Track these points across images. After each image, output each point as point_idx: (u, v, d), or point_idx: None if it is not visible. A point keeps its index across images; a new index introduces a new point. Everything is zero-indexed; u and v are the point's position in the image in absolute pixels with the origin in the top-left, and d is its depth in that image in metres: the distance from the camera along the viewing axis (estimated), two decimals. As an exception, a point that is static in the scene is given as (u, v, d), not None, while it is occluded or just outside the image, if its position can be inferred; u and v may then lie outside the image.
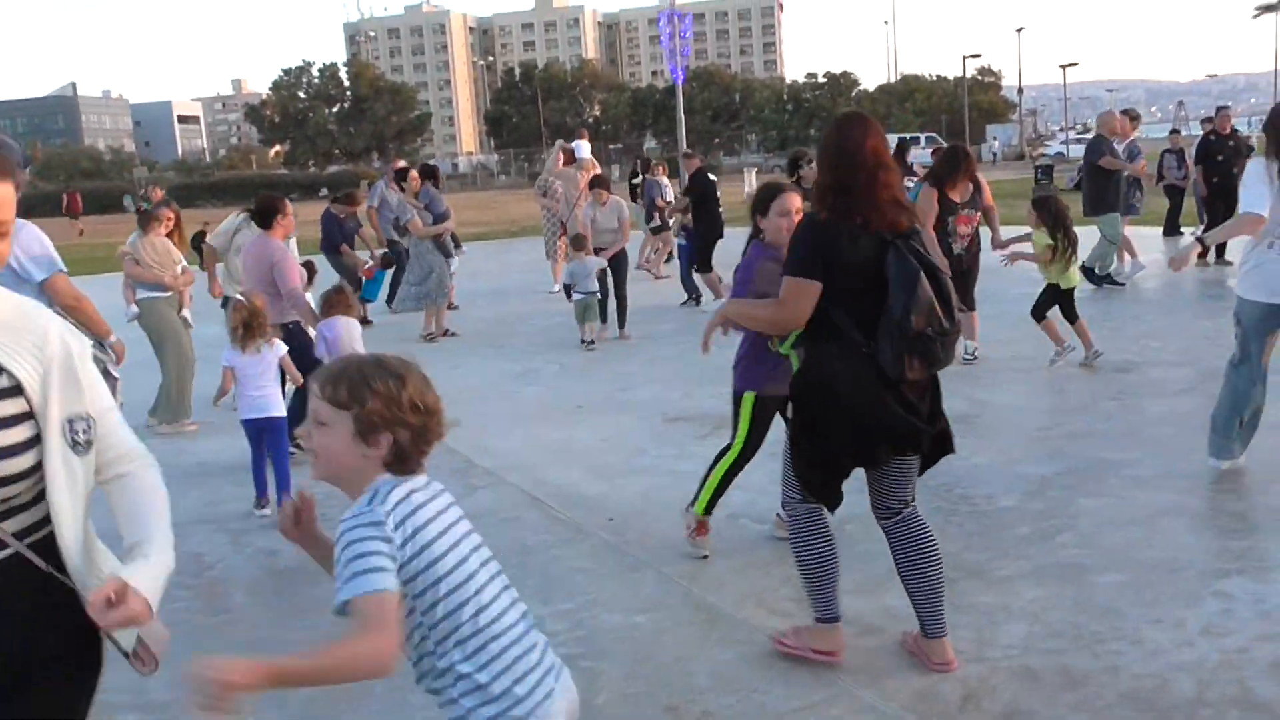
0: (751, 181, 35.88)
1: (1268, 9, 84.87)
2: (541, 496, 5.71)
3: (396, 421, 1.95)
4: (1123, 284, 11.66)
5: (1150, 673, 3.46)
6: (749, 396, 4.54)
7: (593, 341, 10.05)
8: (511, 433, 7.10)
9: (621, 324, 10.56)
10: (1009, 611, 3.96)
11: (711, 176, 12.80)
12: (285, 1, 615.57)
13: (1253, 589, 4.02)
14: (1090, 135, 12.23)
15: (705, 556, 4.65)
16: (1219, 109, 14.28)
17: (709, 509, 4.70)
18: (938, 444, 3.56)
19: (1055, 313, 8.09)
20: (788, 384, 3.68)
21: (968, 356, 8.18)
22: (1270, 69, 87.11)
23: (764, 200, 4.54)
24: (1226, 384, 5.29)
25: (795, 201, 4.46)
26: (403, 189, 11.09)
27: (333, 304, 6.66)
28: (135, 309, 7.89)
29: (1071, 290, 8.08)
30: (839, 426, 3.44)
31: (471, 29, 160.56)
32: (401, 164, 12.55)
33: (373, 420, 1.94)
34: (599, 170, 14.47)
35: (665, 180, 15.46)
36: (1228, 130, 13.47)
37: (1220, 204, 12.68)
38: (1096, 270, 11.42)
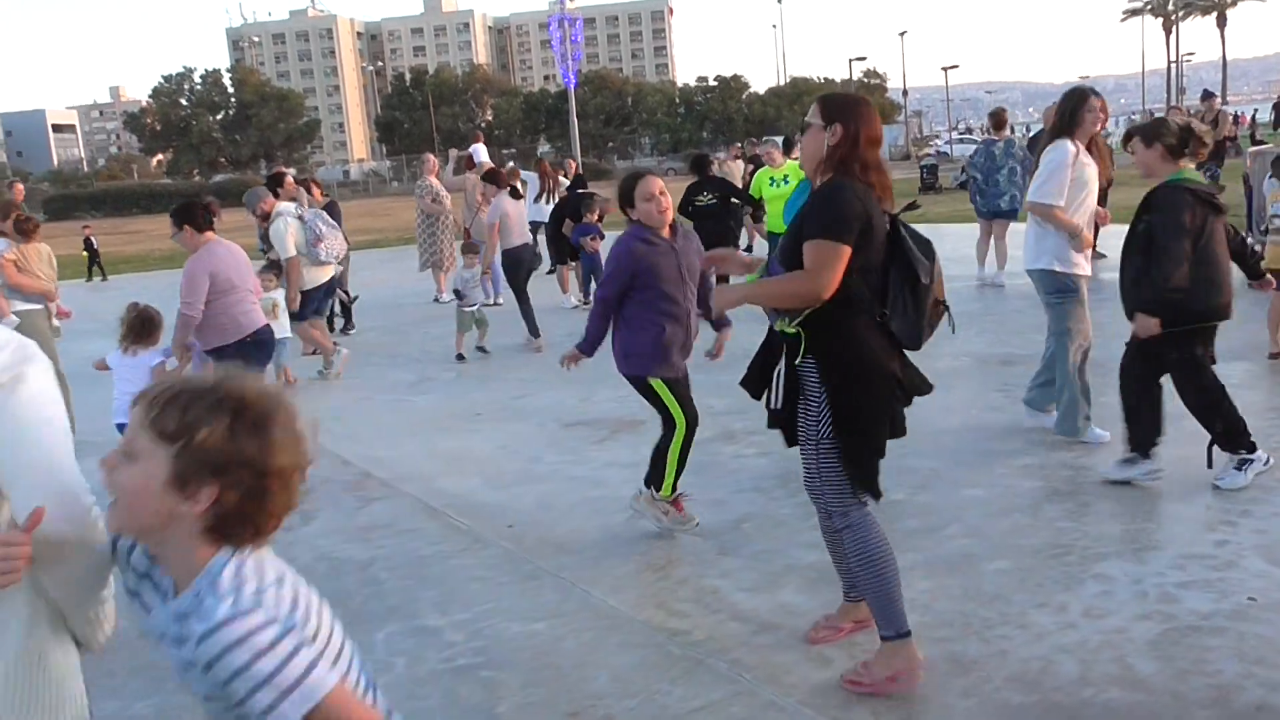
0: (646, 185, 36.06)
1: (1134, 13, 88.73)
2: (438, 506, 5.64)
3: (226, 472, 1.53)
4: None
5: (1036, 655, 3.57)
6: (657, 382, 4.66)
7: (463, 355, 9.89)
8: (407, 443, 7.00)
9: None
10: (901, 602, 4.04)
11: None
12: (164, 7, 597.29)
13: (1130, 570, 4.18)
14: (974, 136, 12.61)
15: (698, 524, 4.81)
16: None
17: (674, 488, 4.79)
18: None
19: None
20: (674, 366, 4.27)
21: None
22: (1138, 70, 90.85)
23: (626, 192, 4.69)
24: (1066, 361, 5.74)
25: (657, 184, 4.66)
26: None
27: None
28: (14, 319, 7.37)
29: None
30: (884, 405, 3.31)
31: (359, 34, 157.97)
32: (278, 170, 12.30)
33: (199, 463, 1.52)
34: None
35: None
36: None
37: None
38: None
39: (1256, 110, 48.22)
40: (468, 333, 9.92)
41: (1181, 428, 5.90)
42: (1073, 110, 5.72)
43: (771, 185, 11.09)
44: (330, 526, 5.45)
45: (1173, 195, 4.87)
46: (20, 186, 14.47)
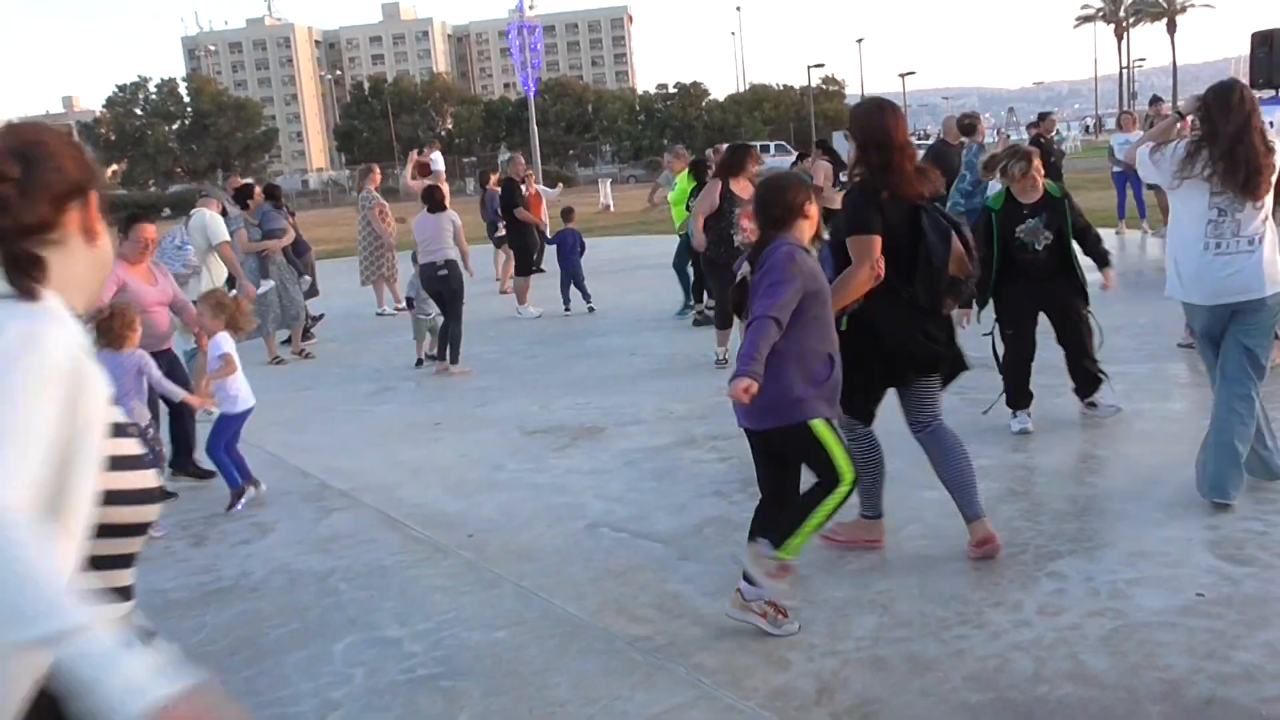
0: (607, 192, 35.95)
1: (1087, 19, 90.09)
2: (398, 516, 5.61)
3: None
4: None
5: (992, 654, 3.62)
6: (819, 424, 3.79)
7: (422, 360, 9.85)
8: (366, 453, 6.96)
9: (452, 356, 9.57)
10: (860, 604, 4.08)
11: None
12: (117, 15, 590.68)
13: (1083, 568, 4.24)
14: (932, 141, 12.70)
15: (795, 626, 3.90)
16: (1043, 115, 15.01)
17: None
18: (954, 365, 4.43)
19: None
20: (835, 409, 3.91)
21: None
22: (1091, 76, 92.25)
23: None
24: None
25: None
26: (245, 207, 10.74)
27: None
28: None
29: None
30: (875, 357, 4.25)
31: (317, 42, 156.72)
32: (242, 181, 12.18)
33: None
34: (445, 184, 14.29)
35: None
36: (1052, 134, 14.27)
37: None
38: None
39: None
40: (423, 340, 9.90)
41: (1130, 428, 6.01)
42: None
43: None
44: (289, 538, 5.41)
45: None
46: None
